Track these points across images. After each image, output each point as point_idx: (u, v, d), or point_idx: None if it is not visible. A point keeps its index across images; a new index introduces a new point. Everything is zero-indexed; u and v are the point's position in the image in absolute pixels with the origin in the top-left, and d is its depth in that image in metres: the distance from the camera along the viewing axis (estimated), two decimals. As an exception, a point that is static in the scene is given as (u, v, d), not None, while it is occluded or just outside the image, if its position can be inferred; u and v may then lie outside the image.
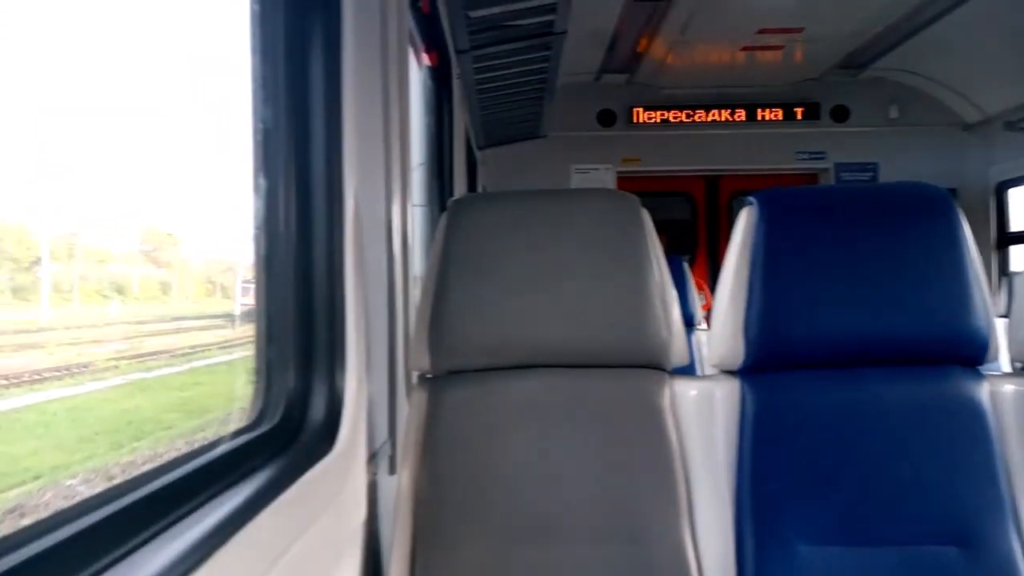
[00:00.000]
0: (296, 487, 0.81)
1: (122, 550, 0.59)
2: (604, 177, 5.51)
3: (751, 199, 1.24)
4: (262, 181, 0.98)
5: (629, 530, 1.11)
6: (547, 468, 1.14)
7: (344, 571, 1.02)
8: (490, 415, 1.15)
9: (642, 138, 5.56)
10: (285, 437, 0.95)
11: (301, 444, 0.95)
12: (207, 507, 0.70)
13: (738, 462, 1.17)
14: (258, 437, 0.91)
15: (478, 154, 4.98)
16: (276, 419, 0.97)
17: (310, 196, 1.04)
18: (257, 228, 1.00)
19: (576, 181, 5.50)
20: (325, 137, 1.06)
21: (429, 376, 1.21)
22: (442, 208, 3.24)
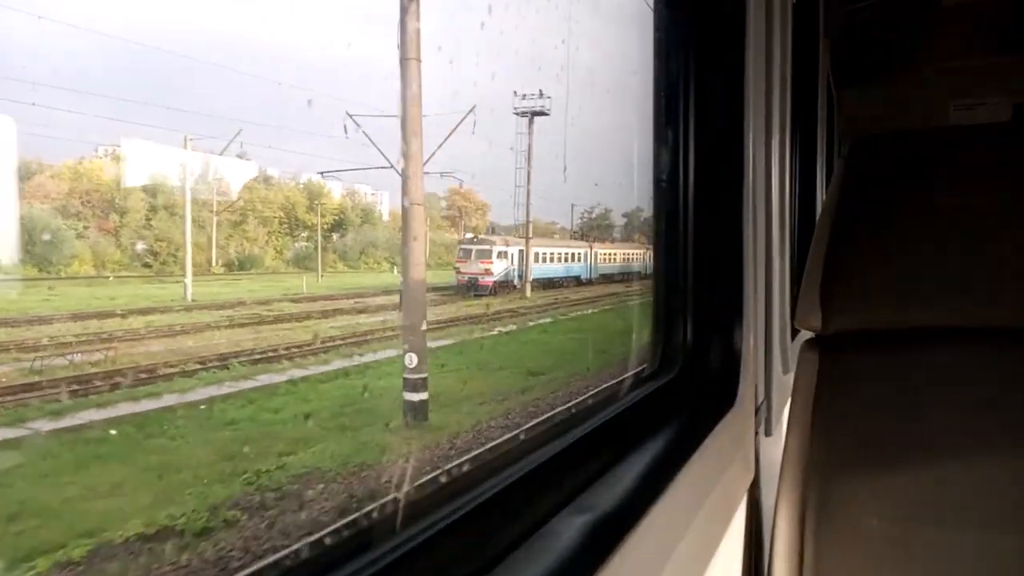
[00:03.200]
0: (708, 440, 0.82)
1: (580, 479, 0.65)
2: (998, 113, 4.58)
3: None
4: (669, 134, 0.99)
5: None
6: (961, 447, 1.00)
7: (734, 527, 1.02)
8: (900, 383, 1.03)
9: None
10: (686, 389, 0.97)
11: (701, 397, 0.96)
12: (634, 456, 0.74)
13: None
14: (662, 386, 0.95)
15: (835, 95, 4.50)
16: (675, 370, 0.99)
17: (709, 149, 1.03)
18: (658, 181, 1.02)
19: (956, 119, 4.65)
20: (725, 89, 1.03)
21: (820, 335, 1.14)
22: (803, 155, 3.02)
